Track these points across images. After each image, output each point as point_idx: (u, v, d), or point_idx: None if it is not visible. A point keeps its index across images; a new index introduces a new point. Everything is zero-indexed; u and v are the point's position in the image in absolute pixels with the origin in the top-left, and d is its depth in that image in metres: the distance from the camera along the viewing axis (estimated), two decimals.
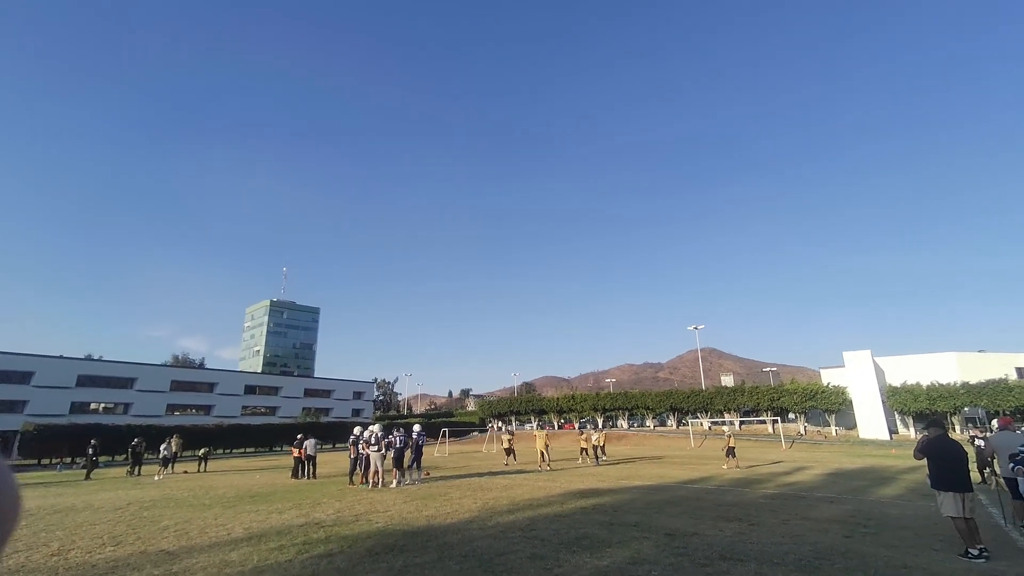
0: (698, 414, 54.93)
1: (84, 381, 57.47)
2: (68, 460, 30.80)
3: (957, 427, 41.79)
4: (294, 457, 19.51)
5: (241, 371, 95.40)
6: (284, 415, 69.97)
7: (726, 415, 53.33)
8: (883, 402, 45.01)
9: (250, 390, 75.68)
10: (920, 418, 43.50)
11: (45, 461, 31.72)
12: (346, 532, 8.70)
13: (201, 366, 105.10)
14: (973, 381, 42.12)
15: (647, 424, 59.29)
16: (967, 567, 6.36)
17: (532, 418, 65.70)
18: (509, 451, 23.86)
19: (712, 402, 53.94)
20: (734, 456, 20.95)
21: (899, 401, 44.08)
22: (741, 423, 51.92)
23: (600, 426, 54.96)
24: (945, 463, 7.11)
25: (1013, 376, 43.82)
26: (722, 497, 12.63)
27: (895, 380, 46.20)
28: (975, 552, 6.74)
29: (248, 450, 42.64)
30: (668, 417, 58.15)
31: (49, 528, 9.73)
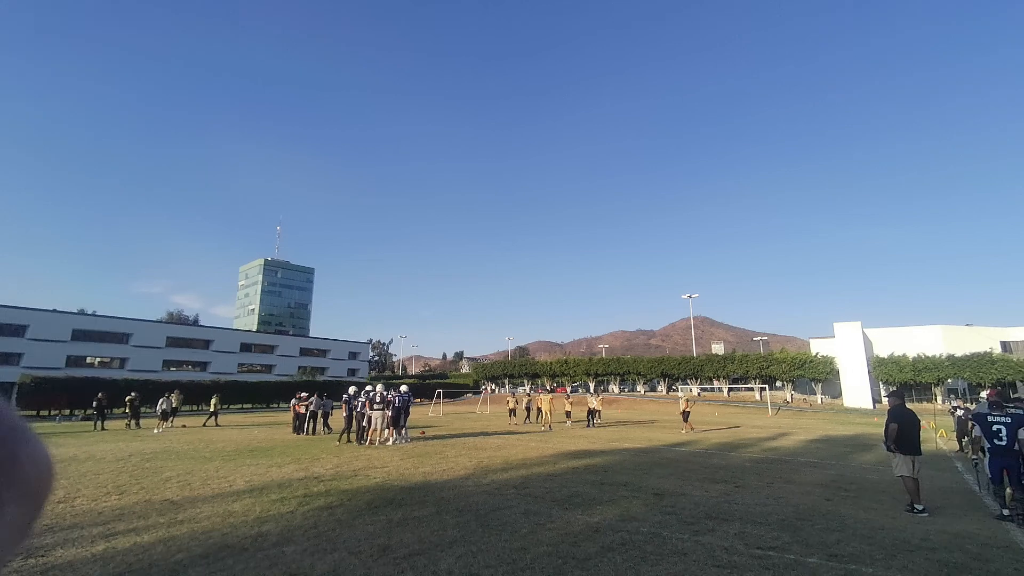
0: (688, 380, 56.03)
1: (79, 335, 57.60)
2: (67, 412, 31.22)
3: (939, 398, 42.95)
4: (297, 413, 19.90)
5: (236, 329, 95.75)
6: (280, 373, 70.79)
7: (715, 382, 54.44)
8: (869, 372, 46.02)
9: (246, 348, 76.22)
10: (905, 389, 44.59)
11: (44, 413, 32.14)
12: (345, 486, 8.97)
13: (195, 323, 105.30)
14: (958, 354, 43.02)
15: (638, 389, 60.50)
16: (933, 526, 6.67)
17: (525, 381, 66.80)
18: (528, 410, 25.24)
19: (703, 369, 54.94)
20: (688, 420, 21.49)
21: (885, 371, 45.08)
22: (730, 390, 53.09)
23: (592, 390, 56.03)
24: (905, 429, 7.92)
25: (998, 350, 44.76)
26: (709, 460, 13.04)
27: (882, 351, 47.12)
28: (919, 507, 7.56)
29: (245, 406, 43.31)
30: (659, 383, 59.31)
31: None
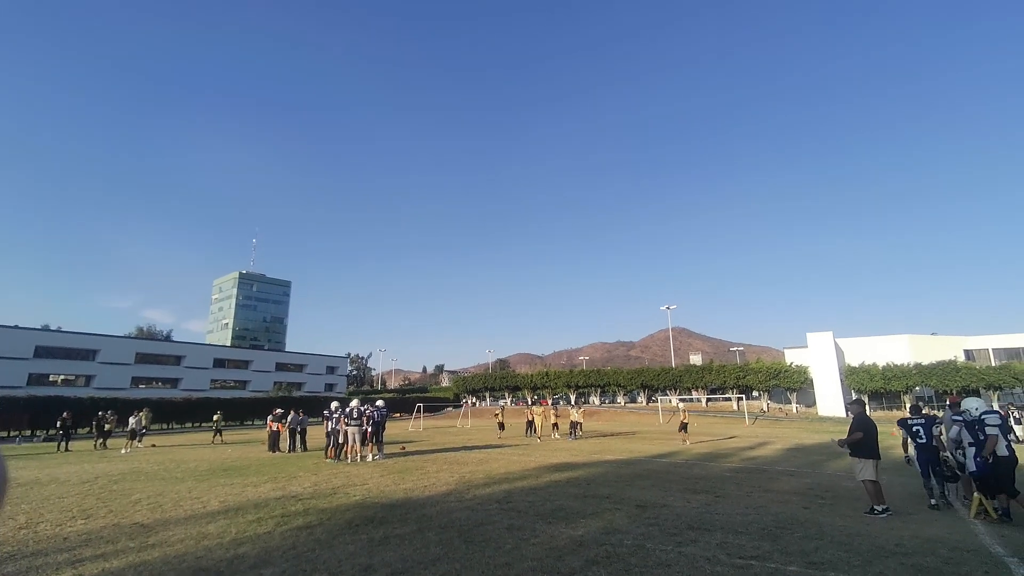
0: (668, 391, 56.56)
1: (42, 352, 55.39)
2: (28, 433, 29.82)
3: (908, 405, 44.19)
4: (270, 431, 19.45)
5: (209, 344, 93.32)
6: (255, 389, 69.08)
7: (694, 392, 55.07)
8: (841, 381, 47.16)
9: (219, 363, 74.30)
10: (875, 397, 45.84)
11: (3, 434, 30.65)
12: (324, 505, 8.78)
13: (167, 338, 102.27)
14: (925, 362, 44.46)
15: (618, 401, 60.76)
16: (906, 531, 6.85)
17: (506, 394, 66.48)
18: (530, 424, 25.58)
19: (681, 380, 55.56)
20: (686, 431, 21.79)
21: (856, 380, 46.25)
22: (708, 400, 53.73)
23: (573, 402, 56.09)
24: (869, 436, 8.37)
25: (961, 358, 46.41)
26: (689, 471, 13.16)
27: (853, 360, 48.38)
28: (879, 509, 7.95)
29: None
30: (639, 394, 59.68)
31: (14, 501, 9.49)
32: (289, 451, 18.62)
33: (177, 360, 68.49)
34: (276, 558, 5.81)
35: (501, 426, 25.54)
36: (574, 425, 24.42)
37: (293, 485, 10.95)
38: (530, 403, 48.40)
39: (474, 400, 68.10)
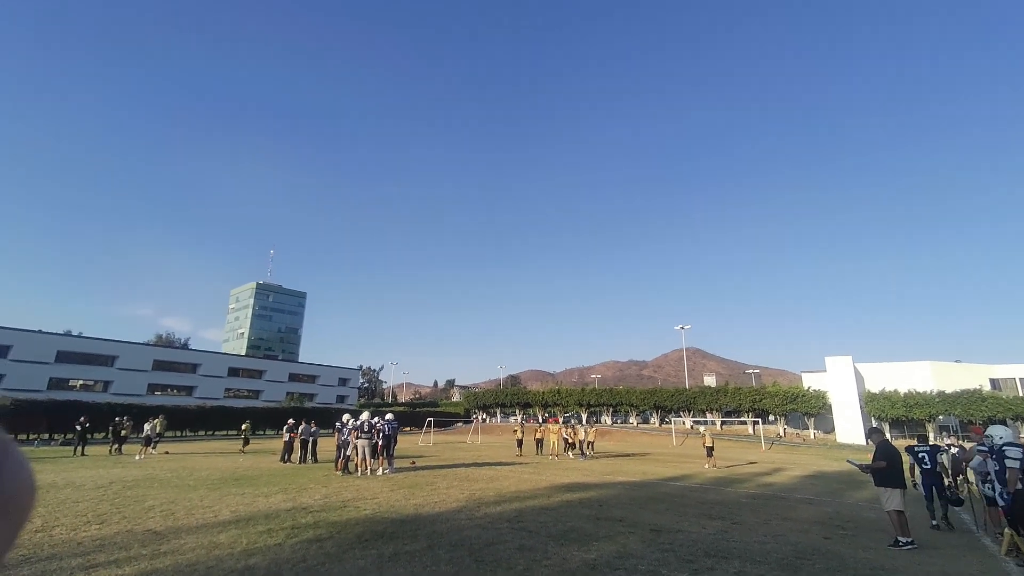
0: (681, 413, 55.61)
1: (63, 357, 56.48)
2: (46, 436, 30.32)
3: (932, 434, 42.84)
4: (284, 441, 19.56)
5: (225, 353, 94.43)
6: (268, 399, 69.55)
7: (708, 415, 54.06)
8: (861, 407, 45.94)
9: (233, 372, 74.99)
10: (896, 424, 44.52)
11: (22, 436, 31.19)
12: (334, 518, 8.73)
13: (185, 346, 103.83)
14: (948, 390, 43.16)
15: (630, 421, 59.88)
16: (932, 567, 6.58)
17: (517, 411, 65.97)
18: (540, 442, 25.21)
19: (695, 401, 54.61)
20: (712, 455, 21.22)
21: (877, 407, 45.01)
22: (723, 423, 52.68)
23: (584, 421, 55.43)
24: (894, 465, 8.12)
25: (987, 387, 44.97)
26: (704, 495, 12.86)
27: (873, 386, 47.15)
28: (904, 541, 7.70)
29: (231, 432, 42.34)
30: (651, 415, 58.76)
31: None
32: (300, 462, 18.64)
33: (193, 368, 69.32)
34: (286, 571, 5.78)
35: (520, 443, 25.27)
36: (584, 444, 24.08)
37: (304, 497, 10.93)
38: (540, 421, 48.04)
39: (485, 416, 67.69)
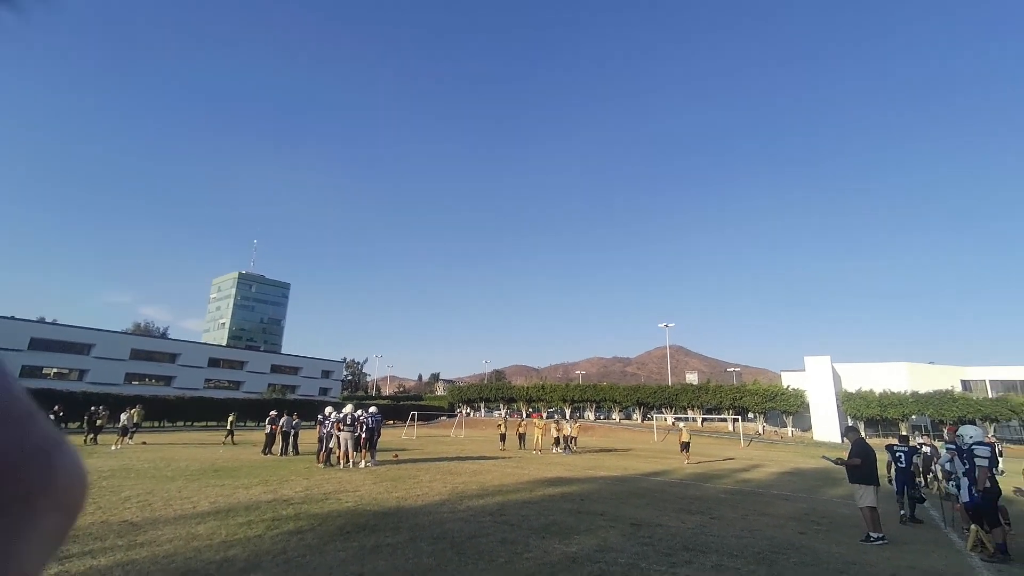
0: (663, 409, 56.30)
1: (37, 344, 55.08)
2: None
3: (910, 436, 44.01)
4: (265, 433, 19.38)
5: (205, 343, 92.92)
6: (249, 390, 68.63)
7: (690, 412, 54.82)
8: (838, 406, 46.99)
9: (214, 363, 73.89)
10: (871, 423, 45.65)
11: None
12: (315, 510, 8.68)
13: (164, 336, 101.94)
14: (922, 391, 44.35)
15: (613, 417, 60.44)
16: (902, 561, 6.78)
17: (501, 405, 66.17)
18: (523, 436, 25.63)
19: (677, 398, 55.34)
20: (688, 450, 21.46)
21: (853, 406, 46.09)
22: (703, 420, 53.47)
23: (568, 416, 55.81)
24: (869, 462, 8.41)
25: (959, 388, 46.29)
26: (684, 490, 13.05)
27: (850, 386, 48.26)
28: (875, 537, 7.93)
29: (211, 424, 41.77)
30: (634, 411, 59.39)
31: None
32: (281, 454, 18.48)
33: (172, 358, 68.12)
34: (266, 562, 5.74)
35: (503, 438, 25.25)
36: (568, 439, 24.25)
37: (285, 489, 10.84)
38: (524, 416, 48.21)
39: (469, 410, 67.74)
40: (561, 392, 63.44)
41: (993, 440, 24.07)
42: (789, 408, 49.00)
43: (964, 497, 8.06)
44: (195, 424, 41.25)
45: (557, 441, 24.30)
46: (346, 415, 15.16)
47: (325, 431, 15.63)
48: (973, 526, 7.89)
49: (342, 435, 14.94)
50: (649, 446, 33.33)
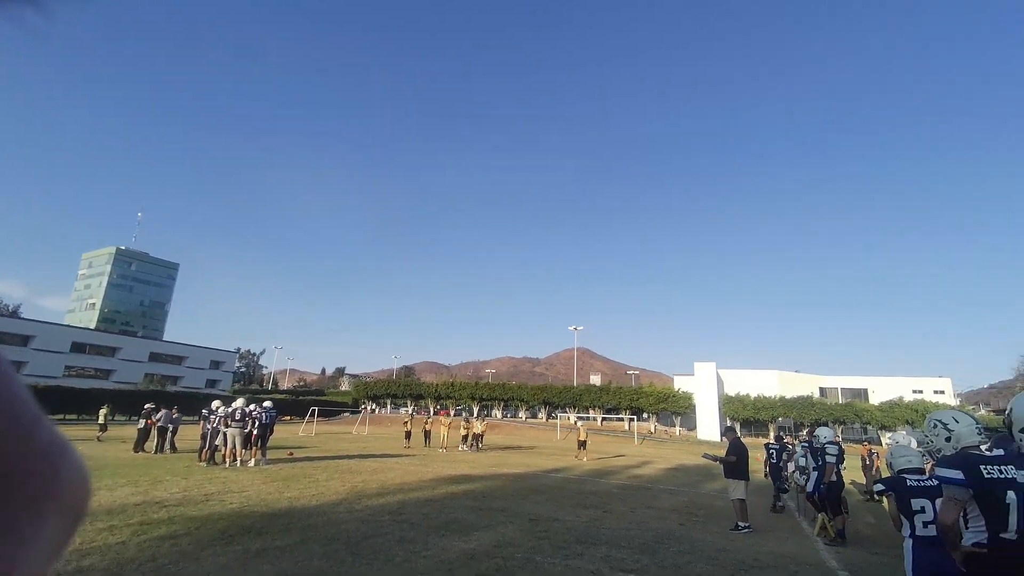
0: (567, 409, 58.53)
1: None
2: None
3: (772, 434, 49.57)
4: (138, 428, 17.37)
5: (68, 325, 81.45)
6: (121, 380, 61.23)
7: (591, 411, 57.51)
8: (720, 408, 51.82)
9: (79, 348, 65.01)
10: (747, 424, 50.85)
11: None
12: (193, 513, 7.95)
13: (14, 315, 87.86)
14: (789, 396, 50.24)
15: (520, 415, 61.74)
16: (764, 547, 7.65)
17: (409, 402, 64.94)
18: (428, 433, 24.71)
19: (581, 399, 57.85)
20: (584, 448, 22.70)
21: (732, 408, 51.09)
22: (603, 419, 56.36)
23: (476, 414, 56.12)
24: (742, 459, 9.27)
25: (817, 394, 53.02)
26: (581, 486, 13.67)
27: (731, 390, 53.42)
28: (742, 526, 8.81)
29: (70, 417, 36.68)
30: (540, 410, 61.10)
31: None
32: (156, 452, 16.70)
33: (24, 340, 58.87)
34: (129, 571, 5.16)
35: (408, 435, 24.64)
36: (476, 437, 24.38)
37: (158, 490, 9.81)
38: (432, 413, 47.71)
39: (375, 407, 65.72)
40: (470, 390, 63.65)
41: (838, 440, 28.00)
42: (679, 409, 53.16)
43: (809, 488, 9.37)
44: (51, 417, 35.96)
45: (465, 439, 24.31)
46: (235, 410, 14.04)
47: (210, 427, 14.36)
48: (820, 514, 9.10)
49: (230, 431, 13.82)
50: (552, 444, 34.47)
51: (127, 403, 37.06)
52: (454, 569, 5.75)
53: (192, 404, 36.36)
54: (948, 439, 3.16)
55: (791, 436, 19.98)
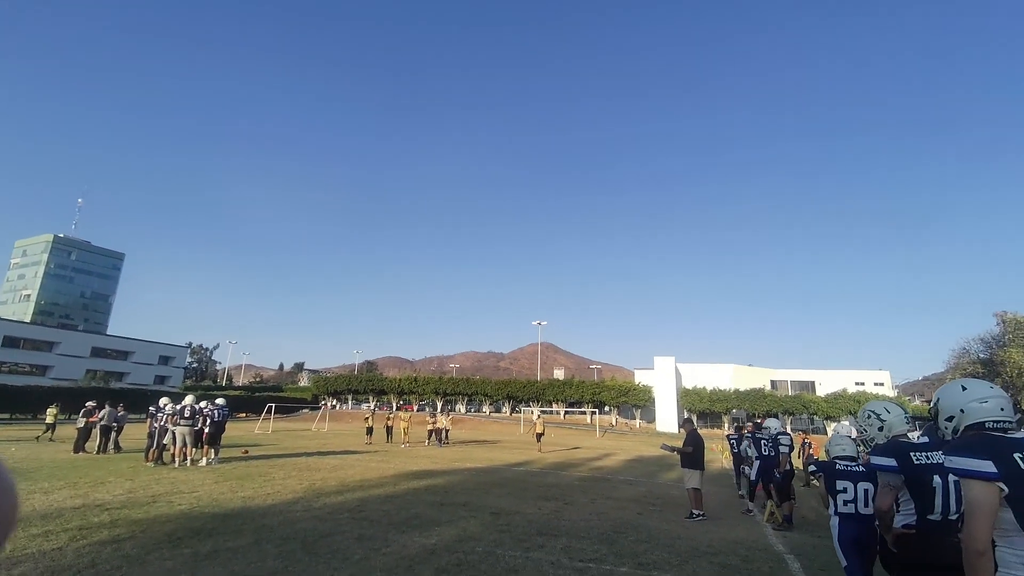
0: (531, 403, 58.93)
1: None
2: None
3: (727, 425, 51.49)
4: (78, 428, 16.38)
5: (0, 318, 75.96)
6: (60, 376, 57.61)
7: (555, 405, 58.12)
8: (678, 401, 53.34)
9: (11, 343, 60.87)
10: (703, 416, 52.57)
11: None
12: (139, 515, 7.58)
13: None
14: (742, 388, 52.22)
15: (483, 410, 61.75)
16: (716, 534, 7.95)
17: (371, 397, 63.88)
18: (390, 429, 24.73)
19: (544, 393, 58.34)
20: (540, 440, 23.32)
21: (689, 401, 52.68)
22: (566, 413, 57.07)
23: (440, 409, 55.76)
24: (698, 450, 9.52)
25: (769, 386, 55.36)
26: (543, 479, 13.82)
27: (688, 383, 55.07)
28: (697, 514, 9.13)
29: (2, 416, 34.26)
30: (504, 404, 61.29)
31: None
32: (99, 452, 15.83)
33: None
34: None
35: (369, 431, 24.34)
36: (440, 432, 24.25)
37: (99, 492, 9.30)
38: (394, 408, 47.10)
39: (336, 403, 64.35)
40: (434, 385, 63.13)
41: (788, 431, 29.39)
42: (639, 403, 54.40)
43: (752, 476, 9.86)
44: None
45: (431, 434, 24.14)
46: (184, 407, 13.44)
47: (157, 425, 13.70)
48: (769, 501, 9.52)
49: (179, 430, 13.22)
50: (516, 438, 34.64)
51: (67, 401, 34.89)
52: (414, 565, 5.71)
53: (140, 401, 34.52)
54: (880, 428, 3.38)
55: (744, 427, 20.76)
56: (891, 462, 3.00)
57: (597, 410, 51.04)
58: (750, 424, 13.67)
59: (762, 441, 9.81)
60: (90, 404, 17.19)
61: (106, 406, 16.88)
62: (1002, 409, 2.31)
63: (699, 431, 10.03)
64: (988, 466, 2.06)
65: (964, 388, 2.45)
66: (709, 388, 52.95)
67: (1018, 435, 2.22)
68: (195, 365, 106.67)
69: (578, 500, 10.57)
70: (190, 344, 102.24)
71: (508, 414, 58.87)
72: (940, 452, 2.88)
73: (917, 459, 2.96)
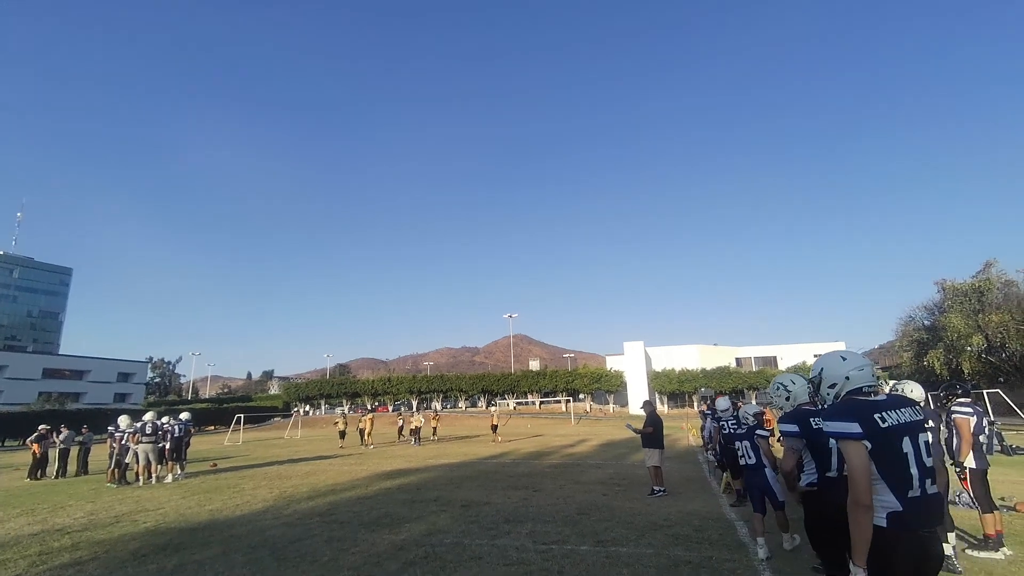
0: (506, 395, 59.40)
1: None
2: None
3: (695, 403, 53.17)
4: (33, 453, 15.76)
5: None
6: (9, 402, 54.77)
7: (530, 395, 58.76)
8: (648, 384, 54.74)
9: None
10: (673, 397, 54.13)
11: None
12: (101, 536, 7.49)
13: None
14: (709, 367, 53.97)
15: (459, 405, 61.89)
16: (673, 508, 8.40)
17: (344, 401, 63.13)
18: (363, 431, 24.13)
19: (519, 384, 58.91)
20: (496, 431, 23.99)
21: (659, 383, 54.17)
22: (541, 403, 57.81)
23: (415, 408, 55.58)
24: (658, 430, 9.93)
25: (734, 364, 57.32)
26: (515, 469, 14.14)
27: (658, 366, 56.55)
28: (657, 490, 9.63)
29: None
30: (479, 399, 61.57)
31: None
32: (56, 477, 15.31)
33: None
34: None
35: (342, 435, 24.13)
36: (416, 431, 24.30)
37: (59, 517, 9.09)
38: (369, 410, 46.72)
39: (308, 409, 63.32)
40: (408, 384, 62.90)
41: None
42: (611, 388, 55.59)
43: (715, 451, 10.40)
44: None
45: (414, 432, 24.16)
46: (145, 424, 13.14)
47: (116, 445, 13.35)
48: (725, 474, 10.06)
49: (141, 447, 12.93)
50: (490, 431, 34.93)
51: (18, 427, 33.34)
52: (382, 561, 5.89)
53: (100, 421, 33.20)
54: (787, 398, 3.76)
55: (705, 405, 21.60)
56: (794, 428, 3.37)
57: (571, 398, 51.91)
58: (705, 403, 14.34)
59: (720, 420, 10.33)
60: (43, 428, 16.56)
61: (62, 428, 16.30)
62: (873, 375, 2.66)
63: (670, 411, 10.52)
64: (854, 427, 2.39)
65: (844, 359, 2.78)
66: (677, 370, 54.51)
67: (880, 398, 2.57)
68: (157, 380, 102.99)
69: (547, 487, 10.90)
70: (151, 359, 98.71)
71: (484, 408, 59.19)
72: None
73: (816, 424, 3.33)
